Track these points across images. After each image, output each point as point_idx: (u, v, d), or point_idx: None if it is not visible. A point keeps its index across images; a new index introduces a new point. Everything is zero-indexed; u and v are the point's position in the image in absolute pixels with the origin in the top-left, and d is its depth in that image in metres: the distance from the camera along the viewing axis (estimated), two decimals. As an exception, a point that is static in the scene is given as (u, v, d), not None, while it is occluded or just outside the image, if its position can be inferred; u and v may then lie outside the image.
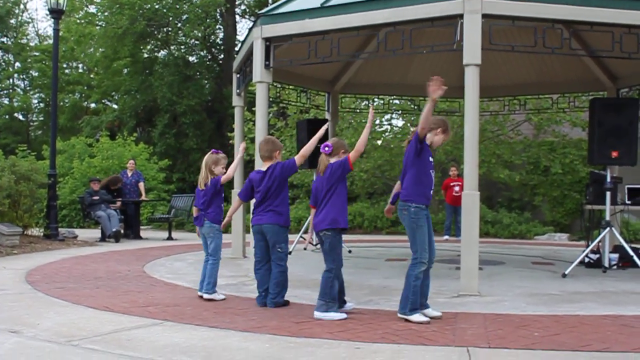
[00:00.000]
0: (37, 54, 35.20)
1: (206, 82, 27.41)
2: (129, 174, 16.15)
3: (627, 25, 7.49)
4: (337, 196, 5.96)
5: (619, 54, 7.80)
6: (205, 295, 6.80)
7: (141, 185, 16.19)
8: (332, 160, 6.06)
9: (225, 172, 7.02)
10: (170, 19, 25.51)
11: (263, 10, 9.20)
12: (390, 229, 18.21)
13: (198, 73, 27.00)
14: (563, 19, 7.50)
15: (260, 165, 6.78)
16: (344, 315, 5.86)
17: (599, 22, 7.49)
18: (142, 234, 16.12)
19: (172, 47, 27.39)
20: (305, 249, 12.13)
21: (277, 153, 6.66)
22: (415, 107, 16.74)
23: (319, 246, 11.71)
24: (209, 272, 6.85)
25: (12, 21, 36.43)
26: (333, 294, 5.89)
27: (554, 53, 8.19)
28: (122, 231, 14.93)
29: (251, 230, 6.63)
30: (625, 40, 7.64)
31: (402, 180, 5.85)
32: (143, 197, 16.14)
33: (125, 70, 28.46)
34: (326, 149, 6.06)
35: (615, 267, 9.53)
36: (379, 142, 19.96)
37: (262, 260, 6.57)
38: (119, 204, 15.24)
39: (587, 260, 9.65)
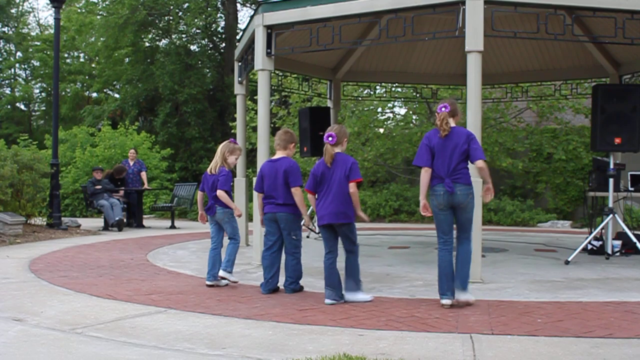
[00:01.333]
0: (38, 43, 35.14)
1: (208, 70, 27.35)
2: (131, 163, 16.18)
3: (630, 10, 7.45)
4: (347, 189, 6.04)
5: (621, 40, 7.78)
6: (221, 272, 6.86)
7: (143, 174, 16.21)
8: (337, 149, 6.11)
9: (235, 163, 7.17)
10: (171, 7, 25.45)
11: (265, -2, 9.17)
12: (393, 217, 18.23)
13: (200, 62, 26.93)
14: (565, 5, 7.47)
15: (275, 155, 6.87)
16: (371, 297, 6.09)
17: (602, 8, 7.46)
18: (145, 222, 16.15)
19: (173, 36, 27.32)
20: (307, 236, 12.15)
21: (292, 145, 6.81)
22: (418, 95, 16.71)
23: (320, 234, 11.79)
24: (229, 251, 6.94)
25: (13, 11, 36.37)
26: (359, 274, 6.12)
27: (556, 39, 8.16)
28: (125, 220, 14.96)
29: (262, 217, 6.76)
30: (628, 26, 7.60)
31: (451, 166, 5.76)
32: (145, 186, 16.14)
33: (127, 60, 28.39)
34: (330, 139, 6.07)
35: (618, 254, 9.53)
36: (381, 130, 19.93)
37: (273, 246, 6.67)
38: (121, 192, 15.25)
39: (589, 247, 9.65)
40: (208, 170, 7.09)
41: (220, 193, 6.89)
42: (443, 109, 5.82)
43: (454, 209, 5.83)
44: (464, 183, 5.76)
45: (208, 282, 6.92)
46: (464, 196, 5.76)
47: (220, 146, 7.11)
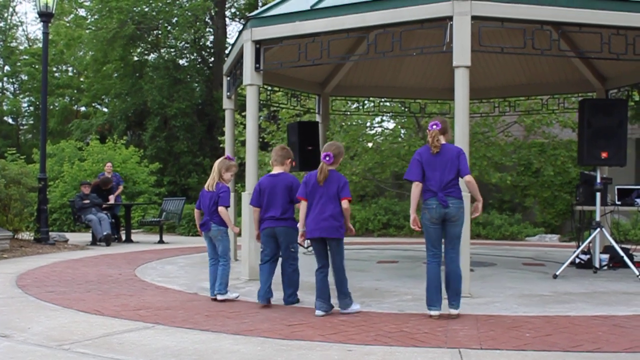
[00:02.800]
0: (26, 57, 35.01)
1: (196, 85, 27.37)
2: (109, 177, 16.11)
3: (615, 26, 7.53)
4: (339, 206, 6.18)
5: (607, 55, 7.84)
6: (219, 297, 6.89)
7: (120, 188, 16.22)
8: (331, 167, 6.26)
9: (231, 179, 7.23)
10: (160, 22, 25.47)
11: (253, 13, 9.19)
12: (382, 231, 18.22)
13: (188, 76, 26.95)
14: (552, 21, 7.52)
15: (272, 170, 6.96)
16: (360, 306, 6.28)
17: (588, 24, 7.53)
18: (133, 237, 16.07)
19: (162, 50, 27.34)
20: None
21: (289, 161, 6.96)
22: (406, 109, 16.76)
23: (310, 249, 11.75)
24: (221, 273, 6.96)
25: (1, 24, 36.27)
26: (347, 287, 6.25)
27: (543, 54, 8.22)
28: (114, 235, 14.90)
29: (258, 232, 6.87)
30: (614, 41, 7.67)
31: (444, 180, 5.90)
32: (110, 200, 15.67)
33: (115, 74, 28.38)
34: (327, 158, 6.21)
35: (605, 267, 9.56)
36: (370, 144, 19.95)
37: (271, 259, 6.80)
38: (111, 199, 15.22)
39: (577, 261, 9.68)
40: (205, 187, 7.09)
41: (221, 210, 6.92)
42: (434, 126, 6.00)
43: (444, 223, 5.96)
44: (456, 197, 5.94)
45: (215, 297, 6.97)
46: (456, 209, 5.93)
47: (217, 162, 7.13)
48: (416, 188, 5.97)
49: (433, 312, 5.94)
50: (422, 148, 6.12)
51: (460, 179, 6.02)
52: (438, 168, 5.93)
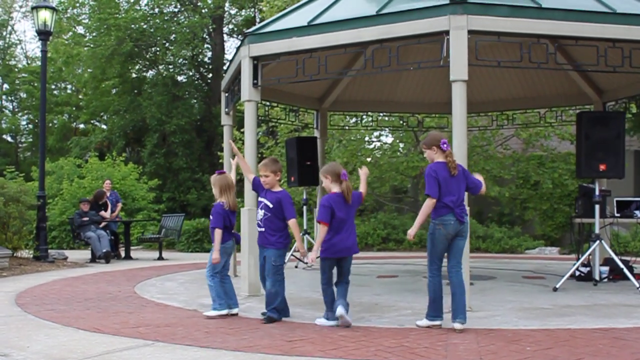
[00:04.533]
0: (25, 75, 35.14)
1: (195, 101, 27.44)
2: (108, 194, 16.09)
3: (611, 39, 7.56)
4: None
5: (604, 67, 7.88)
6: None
7: (119, 205, 16.21)
8: None
9: None
10: (158, 38, 25.57)
11: (250, 29, 9.22)
12: (381, 246, 18.21)
13: (187, 92, 27.03)
14: (548, 34, 7.55)
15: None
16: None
17: (584, 37, 7.57)
18: (133, 254, 16.05)
19: (160, 67, 27.43)
20: (296, 266, 12.12)
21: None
22: (404, 124, 16.79)
23: (310, 265, 11.76)
24: (230, 287, 7.05)
25: (0, 43, 36.41)
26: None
27: (539, 68, 8.24)
28: (113, 252, 14.87)
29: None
30: (610, 54, 7.71)
31: (460, 197, 6.06)
32: (107, 215, 15.60)
33: (114, 91, 28.45)
34: (346, 177, 6.48)
35: (605, 280, 9.55)
36: (369, 159, 19.97)
37: None
38: (107, 214, 15.17)
39: (577, 273, 9.67)
40: (231, 207, 6.96)
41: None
42: (445, 146, 6.09)
43: (453, 238, 6.07)
44: (467, 213, 6.14)
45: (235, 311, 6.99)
46: (467, 225, 6.14)
47: (228, 182, 7.15)
48: (432, 205, 5.99)
49: (438, 322, 6.10)
50: (435, 165, 6.10)
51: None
52: (455, 185, 6.03)
